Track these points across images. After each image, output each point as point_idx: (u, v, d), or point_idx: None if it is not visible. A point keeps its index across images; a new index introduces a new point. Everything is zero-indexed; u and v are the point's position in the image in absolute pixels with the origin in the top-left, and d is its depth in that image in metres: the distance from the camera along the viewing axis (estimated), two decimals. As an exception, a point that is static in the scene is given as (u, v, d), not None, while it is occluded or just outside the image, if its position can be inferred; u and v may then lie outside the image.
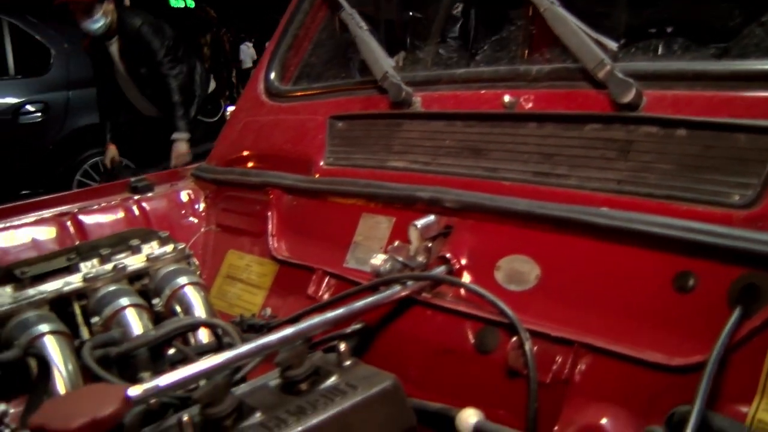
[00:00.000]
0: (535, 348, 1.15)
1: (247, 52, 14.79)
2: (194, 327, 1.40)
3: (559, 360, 1.13)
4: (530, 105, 1.41)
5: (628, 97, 1.23)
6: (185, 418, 1.07)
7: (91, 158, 6.49)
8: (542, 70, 1.42)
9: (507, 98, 1.43)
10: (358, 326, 1.42)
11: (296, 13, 2.09)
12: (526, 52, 1.82)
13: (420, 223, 1.38)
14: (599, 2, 1.86)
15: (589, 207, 1.17)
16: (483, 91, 1.52)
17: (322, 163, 1.78)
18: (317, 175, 1.76)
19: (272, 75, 2.09)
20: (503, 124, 1.45)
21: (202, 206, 2.07)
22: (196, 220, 2.05)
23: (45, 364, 1.19)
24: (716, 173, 1.11)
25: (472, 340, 1.26)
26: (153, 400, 1.09)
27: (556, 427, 1.10)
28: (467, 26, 2.42)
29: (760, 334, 0.95)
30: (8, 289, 1.48)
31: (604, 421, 1.04)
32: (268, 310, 1.69)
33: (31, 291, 1.46)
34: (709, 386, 0.90)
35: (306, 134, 1.85)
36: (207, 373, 1.08)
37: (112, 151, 4.86)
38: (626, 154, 1.23)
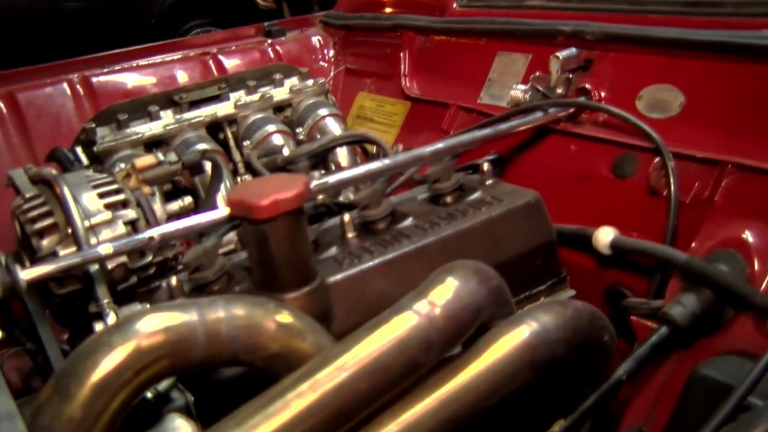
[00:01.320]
0: (678, 168, 1.18)
1: None
2: (355, 139, 1.46)
3: (702, 180, 1.16)
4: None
5: None
6: (346, 218, 1.17)
7: (193, 29, 6.51)
8: None
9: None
10: (492, 156, 1.48)
11: None
12: None
13: (562, 54, 1.40)
14: None
15: (749, 30, 1.16)
16: None
17: (455, 5, 1.79)
18: (451, 17, 1.78)
19: None
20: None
21: (331, 52, 2.13)
22: (325, 65, 2.12)
23: (218, 167, 1.30)
24: None
25: (610, 166, 1.30)
26: (321, 198, 1.21)
27: (693, 243, 1.14)
28: None
29: None
30: (169, 112, 1.60)
31: (746, 234, 1.08)
32: (400, 147, 1.77)
33: (190, 114, 1.58)
34: None
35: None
36: (369, 176, 1.17)
37: None
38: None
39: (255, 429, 0.75)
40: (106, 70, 1.83)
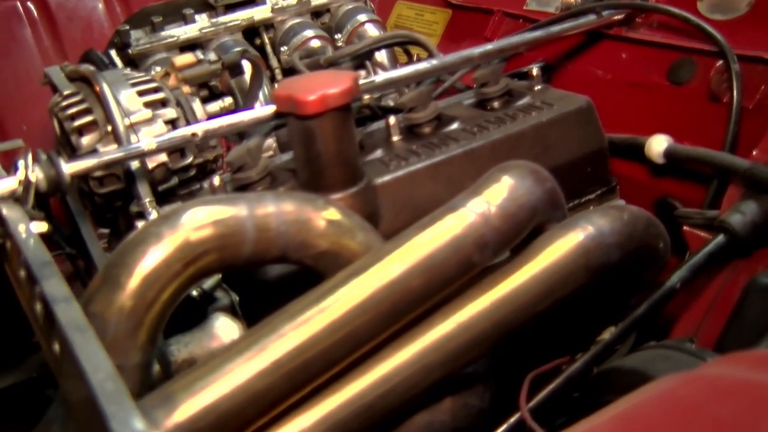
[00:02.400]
0: (742, 72, 1.11)
1: None
2: (401, 39, 1.40)
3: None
4: None
5: None
6: (392, 121, 1.13)
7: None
8: None
9: None
10: (540, 63, 1.42)
11: None
12: None
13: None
14: None
15: None
16: None
17: None
18: None
19: None
20: None
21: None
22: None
23: (257, 68, 1.26)
24: None
25: (666, 72, 1.24)
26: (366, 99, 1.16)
27: (755, 152, 1.09)
28: None
29: None
30: (204, 16, 1.55)
31: (813, 141, 1.02)
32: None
33: (225, 18, 1.53)
34: None
35: None
36: (416, 76, 1.12)
37: None
38: None
39: (307, 323, 0.73)
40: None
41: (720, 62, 1.13)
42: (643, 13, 1.30)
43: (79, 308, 0.60)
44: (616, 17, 1.31)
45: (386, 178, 1.02)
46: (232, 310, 0.96)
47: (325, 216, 0.83)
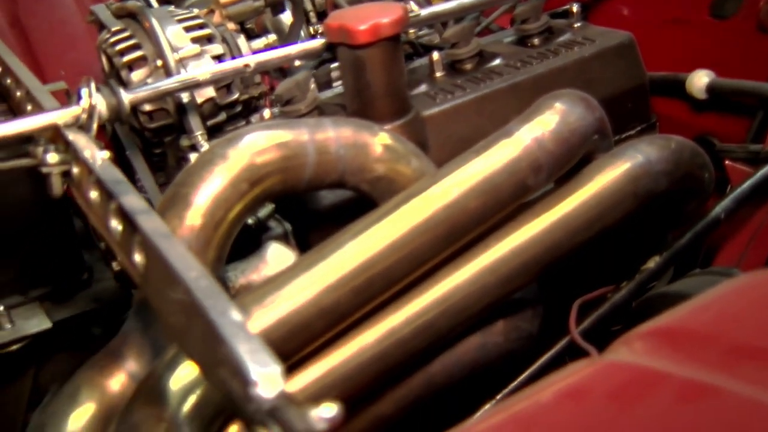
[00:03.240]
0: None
1: None
2: None
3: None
4: None
5: None
6: (435, 56, 1.14)
7: None
8: None
9: None
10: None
11: None
12: None
13: None
14: None
15: None
16: None
17: None
18: None
19: None
20: None
21: None
22: None
23: (299, 5, 1.26)
24: None
25: (709, 5, 1.23)
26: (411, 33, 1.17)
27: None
28: None
29: None
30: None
31: None
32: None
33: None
34: None
35: None
36: (458, 11, 1.12)
37: None
38: None
39: (371, 241, 0.75)
40: None
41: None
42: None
43: (159, 218, 0.62)
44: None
45: (433, 110, 1.03)
46: (285, 239, 0.98)
47: (382, 141, 0.85)
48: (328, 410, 0.40)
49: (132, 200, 0.66)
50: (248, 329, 0.47)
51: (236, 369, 0.45)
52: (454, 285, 0.80)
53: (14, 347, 1.13)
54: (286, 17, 1.32)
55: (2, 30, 1.48)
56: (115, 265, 1.06)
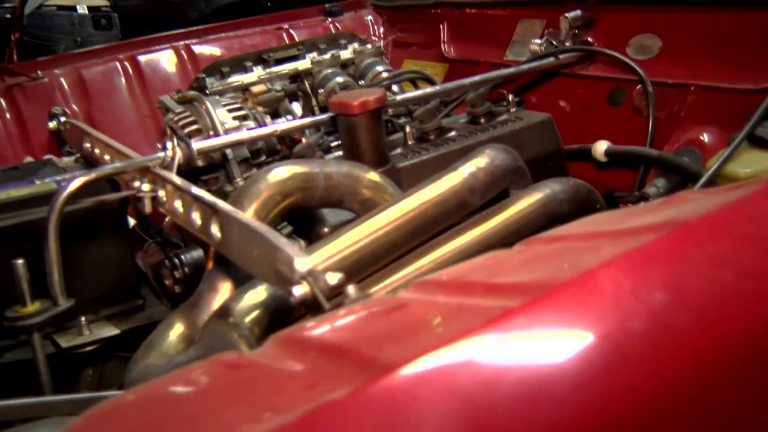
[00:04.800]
0: (655, 93, 1.54)
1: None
2: (415, 75, 1.84)
3: (672, 100, 1.52)
4: None
5: None
6: (408, 129, 1.55)
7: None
8: None
9: None
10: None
11: None
12: None
13: (570, 14, 1.77)
14: None
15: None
16: None
17: (484, -15, 2.17)
18: (481, -6, 2.16)
19: None
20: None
21: (381, 28, 2.52)
22: (376, 39, 2.50)
23: (308, 95, 1.69)
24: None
25: (606, 97, 1.67)
26: (389, 113, 1.59)
27: (665, 147, 1.50)
28: None
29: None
30: (260, 67, 1.99)
31: (703, 135, 1.44)
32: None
33: (276, 68, 1.97)
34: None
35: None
36: (425, 97, 1.55)
37: None
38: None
39: (357, 235, 1.12)
40: (202, 40, 2.23)
41: (640, 87, 1.56)
42: (589, 56, 1.75)
43: (228, 204, 1.00)
44: (569, 60, 1.75)
45: (406, 163, 1.43)
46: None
47: (369, 176, 1.24)
48: (337, 276, 0.77)
49: (208, 196, 1.05)
50: (290, 244, 0.85)
51: (286, 259, 0.82)
52: (417, 267, 1.17)
53: (89, 348, 1.48)
54: (297, 106, 1.75)
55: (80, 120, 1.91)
56: (177, 288, 1.42)
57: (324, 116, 1.42)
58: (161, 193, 1.20)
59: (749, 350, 0.46)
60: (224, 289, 1.09)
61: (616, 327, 0.44)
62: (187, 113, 1.51)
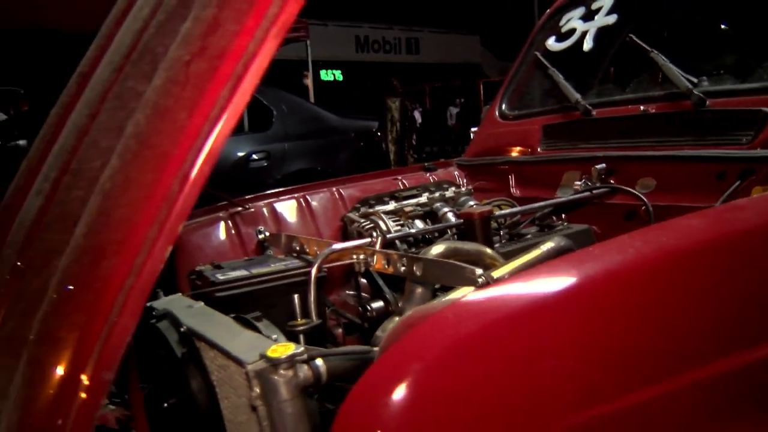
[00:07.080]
0: (655, 211, 2.46)
1: (417, 116, 17.78)
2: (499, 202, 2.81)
3: (665, 215, 2.42)
4: (653, 111, 2.74)
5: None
6: (501, 233, 2.48)
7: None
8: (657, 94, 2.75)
9: (642, 108, 2.77)
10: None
11: (517, 69, 3.53)
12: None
13: (598, 166, 2.73)
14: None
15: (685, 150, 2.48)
16: (629, 106, 2.86)
17: (539, 149, 3.17)
18: (538, 154, 3.15)
19: (503, 106, 3.53)
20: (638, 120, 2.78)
21: (464, 180, 3.51)
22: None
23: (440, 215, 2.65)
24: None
25: (623, 216, 2.58)
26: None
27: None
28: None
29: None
30: (392, 201, 2.97)
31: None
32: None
33: (404, 202, 2.94)
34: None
35: (530, 136, 3.25)
36: (511, 214, 2.49)
37: None
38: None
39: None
40: (346, 186, 3.24)
41: (644, 208, 2.48)
42: (612, 192, 2.69)
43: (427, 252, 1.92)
44: (599, 193, 2.69)
45: (502, 251, 2.34)
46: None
47: (487, 251, 2.14)
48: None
49: (411, 254, 1.97)
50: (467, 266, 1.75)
51: (470, 271, 1.73)
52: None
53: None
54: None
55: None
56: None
57: (458, 221, 2.36)
58: (373, 259, 2.12)
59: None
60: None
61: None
62: (368, 222, 2.46)
